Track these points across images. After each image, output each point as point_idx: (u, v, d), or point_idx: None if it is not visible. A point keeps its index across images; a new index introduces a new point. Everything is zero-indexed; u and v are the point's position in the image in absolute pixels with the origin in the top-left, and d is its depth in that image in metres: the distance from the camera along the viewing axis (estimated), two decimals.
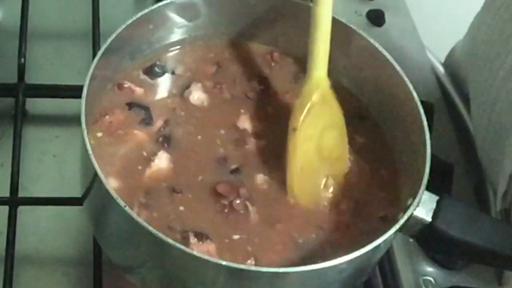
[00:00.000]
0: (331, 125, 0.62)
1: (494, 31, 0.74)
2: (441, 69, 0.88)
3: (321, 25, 0.61)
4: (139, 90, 0.63)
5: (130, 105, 0.62)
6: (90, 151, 0.54)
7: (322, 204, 0.60)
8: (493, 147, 0.73)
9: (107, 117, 0.61)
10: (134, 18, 0.61)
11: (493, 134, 0.73)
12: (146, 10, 0.62)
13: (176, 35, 0.66)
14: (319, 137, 0.61)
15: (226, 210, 0.58)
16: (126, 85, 0.63)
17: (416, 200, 0.56)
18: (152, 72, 0.65)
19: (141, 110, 0.62)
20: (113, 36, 0.60)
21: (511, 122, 0.70)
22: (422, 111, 0.60)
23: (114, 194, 0.52)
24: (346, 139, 0.63)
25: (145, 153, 0.60)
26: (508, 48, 0.70)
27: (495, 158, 0.73)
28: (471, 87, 0.78)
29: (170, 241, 0.51)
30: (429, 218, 0.57)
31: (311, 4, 0.64)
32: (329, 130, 0.62)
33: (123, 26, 0.60)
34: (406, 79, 0.62)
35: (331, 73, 0.65)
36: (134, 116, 0.62)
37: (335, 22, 0.64)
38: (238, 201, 0.58)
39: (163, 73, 0.65)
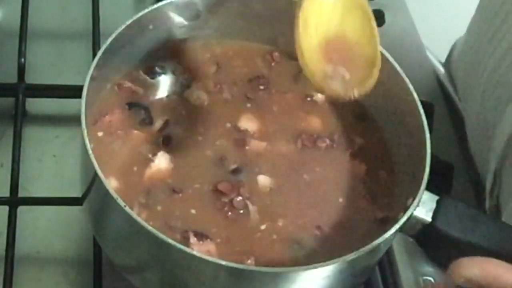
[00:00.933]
0: (351, 7, 0.58)
1: (483, 26, 0.74)
2: (441, 69, 0.88)
3: None
4: (139, 90, 0.63)
5: (130, 105, 0.62)
6: (90, 151, 0.54)
7: (339, 90, 0.55)
8: (481, 145, 0.73)
9: (107, 117, 0.61)
10: (134, 18, 0.61)
11: (481, 131, 0.73)
12: (146, 10, 0.62)
13: (176, 35, 0.66)
14: (341, 22, 0.57)
15: (226, 208, 0.58)
16: (126, 85, 0.63)
17: (416, 200, 0.56)
18: (152, 72, 0.65)
19: (141, 110, 0.62)
20: (113, 36, 0.60)
21: (496, 118, 0.70)
22: (422, 111, 0.60)
23: (114, 194, 0.52)
24: (372, 20, 0.57)
25: (145, 153, 0.60)
26: (495, 43, 0.70)
27: (483, 155, 0.73)
28: (462, 85, 0.79)
29: (170, 241, 0.51)
30: (429, 218, 0.57)
31: None
32: (351, 13, 0.58)
33: (123, 26, 0.60)
34: (406, 79, 0.62)
35: None
36: (134, 116, 0.62)
37: None
38: (238, 199, 0.58)
39: (163, 73, 0.65)
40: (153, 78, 0.64)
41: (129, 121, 0.62)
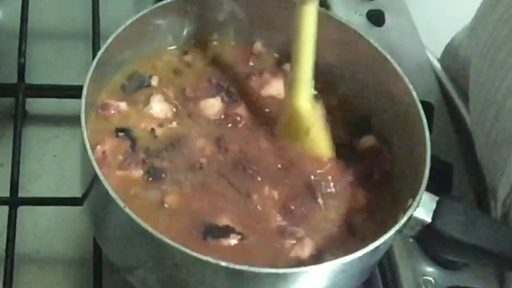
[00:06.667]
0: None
1: (497, 39, 0.73)
2: (441, 69, 0.88)
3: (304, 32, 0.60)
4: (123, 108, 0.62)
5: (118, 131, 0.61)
6: (90, 151, 0.54)
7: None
8: (495, 153, 0.72)
9: (98, 147, 0.59)
10: (134, 18, 0.61)
11: (495, 141, 0.72)
12: (146, 10, 0.62)
13: (176, 36, 0.66)
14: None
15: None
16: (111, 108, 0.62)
17: (416, 200, 0.56)
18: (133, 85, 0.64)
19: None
20: (113, 36, 0.60)
21: None
22: (422, 111, 0.60)
23: (114, 194, 0.52)
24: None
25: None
26: None
27: (496, 164, 0.72)
28: (471, 90, 0.78)
29: (170, 241, 0.51)
30: (429, 219, 0.57)
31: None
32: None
33: (123, 26, 0.60)
34: (406, 79, 0.62)
35: (331, 73, 0.66)
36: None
37: (335, 22, 0.64)
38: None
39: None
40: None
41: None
